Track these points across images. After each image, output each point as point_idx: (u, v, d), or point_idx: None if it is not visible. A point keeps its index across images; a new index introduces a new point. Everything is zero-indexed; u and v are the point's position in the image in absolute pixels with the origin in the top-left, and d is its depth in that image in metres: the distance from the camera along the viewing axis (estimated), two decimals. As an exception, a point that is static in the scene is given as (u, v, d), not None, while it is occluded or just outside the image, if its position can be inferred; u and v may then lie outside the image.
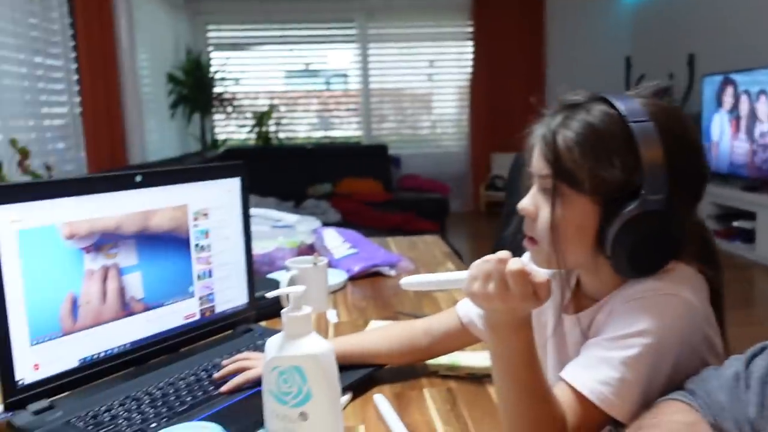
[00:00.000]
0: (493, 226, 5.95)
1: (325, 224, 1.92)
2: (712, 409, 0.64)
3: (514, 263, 0.67)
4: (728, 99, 5.22)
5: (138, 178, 0.97)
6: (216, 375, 0.96)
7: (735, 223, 4.87)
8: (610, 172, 0.74)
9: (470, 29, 6.62)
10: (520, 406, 0.73)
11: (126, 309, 0.96)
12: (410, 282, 0.81)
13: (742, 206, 4.76)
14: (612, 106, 0.76)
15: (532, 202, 0.80)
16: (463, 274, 0.73)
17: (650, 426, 0.65)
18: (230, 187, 1.11)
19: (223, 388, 0.92)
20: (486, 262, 0.70)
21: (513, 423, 0.75)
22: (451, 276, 0.76)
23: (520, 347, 0.72)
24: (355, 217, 4.52)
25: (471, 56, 6.67)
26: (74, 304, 0.89)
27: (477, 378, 1.00)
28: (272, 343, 0.73)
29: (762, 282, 4.24)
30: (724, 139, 5.32)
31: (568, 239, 0.77)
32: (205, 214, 1.08)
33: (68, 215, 0.88)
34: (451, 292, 1.47)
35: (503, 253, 0.69)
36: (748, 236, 4.74)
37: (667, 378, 0.73)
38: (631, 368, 0.72)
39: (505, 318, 0.71)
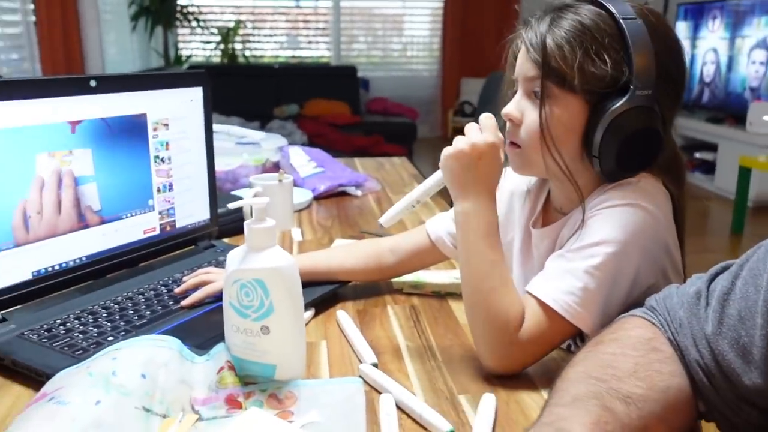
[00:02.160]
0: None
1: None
2: (671, 325, 0.65)
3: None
4: (702, 29, 5.20)
5: (93, 83, 0.91)
6: (176, 290, 0.94)
7: (697, 155, 4.95)
8: (600, 68, 0.74)
9: (446, -53, 6.41)
10: (479, 293, 0.75)
11: (82, 221, 0.93)
12: (389, 216, 0.85)
13: (704, 138, 4.82)
14: (601, 6, 0.76)
15: (517, 108, 0.80)
16: (437, 173, 0.81)
17: (610, 341, 0.65)
18: (192, 97, 1.06)
19: (184, 303, 0.90)
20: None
21: (472, 306, 0.77)
22: (424, 184, 0.81)
23: (486, 214, 0.77)
24: (322, 139, 4.46)
25: (446, -24, 6.48)
26: (25, 213, 0.85)
27: (440, 295, 1.00)
28: (234, 255, 0.71)
29: (718, 212, 4.35)
30: (693, 69, 5.32)
31: (555, 141, 0.77)
32: (165, 125, 1.03)
33: (20, 119, 0.83)
34: (419, 214, 1.46)
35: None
36: (709, 168, 4.83)
37: (628, 287, 0.74)
38: (594, 277, 0.73)
39: (474, 175, 0.77)
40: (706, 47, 5.15)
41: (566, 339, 0.77)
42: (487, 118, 0.79)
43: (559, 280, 0.74)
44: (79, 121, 0.90)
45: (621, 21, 0.74)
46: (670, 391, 0.60)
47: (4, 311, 0.84)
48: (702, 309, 0.63)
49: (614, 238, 0.73)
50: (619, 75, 0.74)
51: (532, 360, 0.75)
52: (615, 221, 0.74)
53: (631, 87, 0.74)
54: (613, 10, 0.75)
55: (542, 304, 0.74)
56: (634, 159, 0.76)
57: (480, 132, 0.78)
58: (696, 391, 0.62)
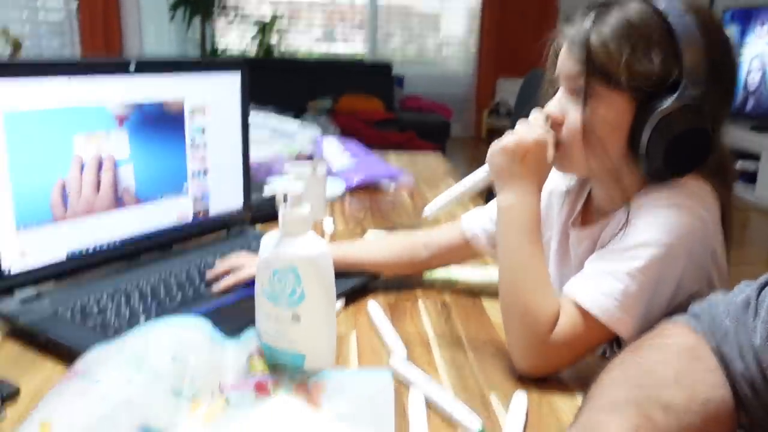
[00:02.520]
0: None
1: (325, 136, 1.87)
2: (716, 335, 0.63)
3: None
4: (749, 35, 5.08)
5: (132, 66, 0.92)
6: (208, 274, 0.94)
7: (739, 163, 4.83)
8: (648, 66, 0.71)
9: (486, -55, 6.35)
10: (515, 286, 0.74)
11: (119, 202, 0.93)
12: (433, 208, 0.86)
13: (747, 147, 4.71)
14: (648, 2, 0.73)
15: (559, 106, 0.79)
16: (483, 168, 0.81)
17: (650, 347, 0.63)
18: (230, 82, 1.06)
19: (215, 288, 0.90)
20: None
21: (506, 301, 0.75)
22: (469, 179, 0.81)
23: (528, 208, 0.76)
24: (355, 135, 4.45)
25: (484, -25, 6.42)
26: (64, 191, 0.85)
27: (473, 292, 0.98)
28: (268, 241, 0.71)
29: (758, 223, 4.24)
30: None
31: (599, 141, 0.75)
32: (203, 111, 1.03)
33: (59, 100, 0.83)
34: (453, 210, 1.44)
35: None
36: (751, 178, 4.71)
37: (671, 293, 0.72)
38: (636, 279, 0.70)
39: (520, 169, 0.77)
40: (752, 54, 5.02)
41: (602, 343, 0.74)
42: (536, 116, 0.79)
43: (599, 282, 0.72)
44: (125, 117, 0.91)
45: (670, 17, 0.72)
46: (711, 404, 0.58)
47: (39, 287, 0.84)
48: (750, 319, 0.60)
49: (659, 240, 0.70)
50: (668, 73, 0.71)
51: (566, 363, 0.73)
52: (661, 223, 0.71)
53: (681, 85, 0.71)
54: (662, 6, 0.72)
55: (579, 306, 0.72)
56: (682, 160, 0.73)
57: (529, 128, 0.77)
58: (738, 404, 0.60)
